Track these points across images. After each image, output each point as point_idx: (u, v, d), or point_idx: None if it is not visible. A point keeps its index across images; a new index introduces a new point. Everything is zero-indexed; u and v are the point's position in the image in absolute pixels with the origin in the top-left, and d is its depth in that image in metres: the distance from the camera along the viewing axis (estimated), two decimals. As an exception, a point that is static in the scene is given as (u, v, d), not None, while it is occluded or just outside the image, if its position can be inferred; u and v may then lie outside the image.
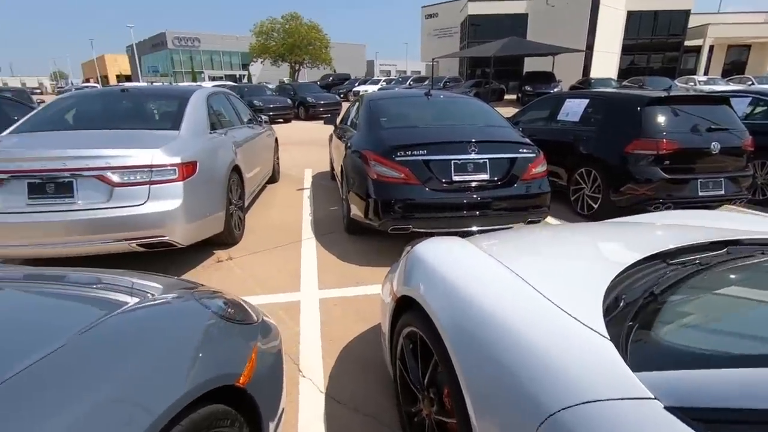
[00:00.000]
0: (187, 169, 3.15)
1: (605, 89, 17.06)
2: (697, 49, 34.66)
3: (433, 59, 23.85)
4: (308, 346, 2.44)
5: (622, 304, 1.04)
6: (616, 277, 1.16)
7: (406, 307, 1.63)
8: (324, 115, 15.86)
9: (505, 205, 3.45)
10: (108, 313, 1.06)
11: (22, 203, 2.84)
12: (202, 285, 1.70)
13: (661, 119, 4.35)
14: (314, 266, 3.55)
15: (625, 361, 0.84)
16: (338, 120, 6.07)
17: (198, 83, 26.34)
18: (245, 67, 61.89)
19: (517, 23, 33.77)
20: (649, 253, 1.28)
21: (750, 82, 22.26)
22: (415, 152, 3.36)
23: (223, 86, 17.75)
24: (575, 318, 1.01)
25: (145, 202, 2.95)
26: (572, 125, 5.17)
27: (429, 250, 1.62)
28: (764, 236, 1.55)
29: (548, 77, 21.93)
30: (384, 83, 29.49)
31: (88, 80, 70.17)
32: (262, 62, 45.13)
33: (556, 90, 20.45)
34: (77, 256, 3.13)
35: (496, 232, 2.17)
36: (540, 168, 3.59)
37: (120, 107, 4.00)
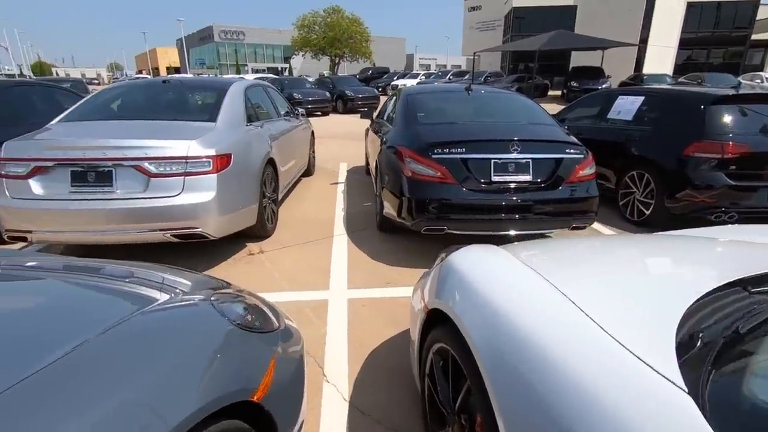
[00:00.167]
0: (222, 161, 3.14)
1: (662, 86, 16.05)
2: (766, 44, 31.94)
3: (474, 53, 23.24)
4: (334, 350, 2.36)
5: (699, 343, 0.87)
6: (690, 306, 0.98)
7: (437, 321, 1.50)
8: (362, 109, 15.83)
9: (548, 209, 3.23)
10: (124, 318, 1.00)
11: (65, 191, 2.93)
12: (228, 284, 1.65)
13: (727, 119, 3.95)
14: (344, 264, 3.48)
15: (709, 423, 0.68)
16: (375, 114, 5.96)
17: (241, 75, 27.01)
18: (287, 60, 62.91)
19: (564, 16, 32.32)
20: (729, 279, 1.08)
21: (826, 80, 20.30)
22: (453, 150, 3.20)
23: (264, 79, 18.09)
24: (638, 357, 0.85)
25: (179, 193, 2.96)
26: (624, 124, 4.82)
27: (464, 260, 1.48)
28: None
29: (596, 73, 20.86)
30: (423, 77, 29.10)
31: (140, 72, 73.74)
32: (303, 55, 45.63)
33: (604, 86, 19.45)
34: (117, 245, 3.21)
35: (539, 240, 1.99)
36: (588, 170, 3.34)
37: (161, 98, 4.07)
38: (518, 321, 1.12)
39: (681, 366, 0.80)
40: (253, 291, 2.86)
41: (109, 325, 0.96)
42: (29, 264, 1.57)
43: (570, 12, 32.62)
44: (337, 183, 6.15)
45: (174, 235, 3.04)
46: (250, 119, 4.03)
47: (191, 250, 3.57)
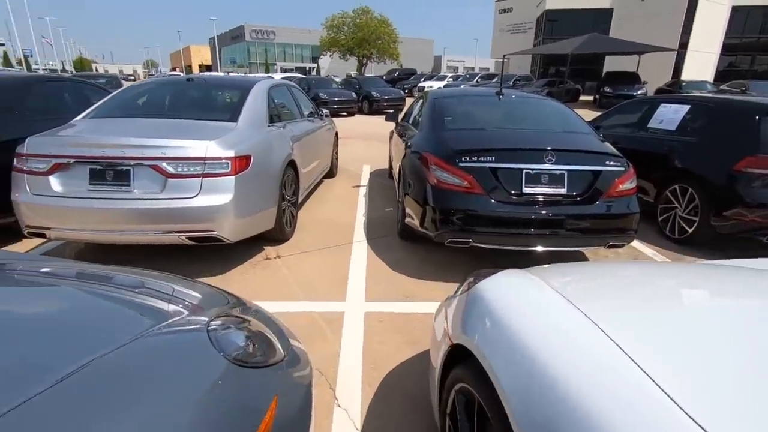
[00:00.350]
0: (241, 163, 3.05)
1: (704, 93, 15.27)
2: (816, 51, 30.15)
3: (504, 56, 22.73)
4: (347, 370, 2.22)
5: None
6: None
7: (460, 356, 1.33)
8: (388, 110, 15.71)
9: (583, 225, 2.99)
10: (107, 352, 0.88)
11: (83, 188, 2.89)
12: (239, 300, 1.55)
13: (785, 133, 3.61)
14: (363, 274, 3.33)
15: None
16: (400, 117, 5.81)
17: (270, 74, 27.34)
18: (315, 60, 63.54)
19: (599, 18, 31.40)
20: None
21: None
22: (482, 158, 3.01)
23: (292, 78, 18.21)
24: (702, 427, 0.67)
25: (196, 195, 2.88)
26: (666, 134, 4.50)
27: (494, 291, 1.31)
28: None
29: (632, 78, 20.11)
30: (450, 79, 28.79)
31: (174, 69, 75.93)
32: (331, 55, 45.95)
33: (640, 93, 18.73)
34: (136, 245, 3.16)
35: (576, 265, 1.79)
36: (628, 184, 3.09)
37: (184, 96, 4.02)
38: (556, 368, 0.95)
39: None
40: (267, 300, 2.76)
41: (90, 359, 0.84)
42: (43, 270, 1.51)
43: (605, 15, 31.66)
44: (359, 186, 6.03)
45: (189, 238, 2.97)
46: (272, 120, 3.94)
47: (208, 251, 3.50)
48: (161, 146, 2.84)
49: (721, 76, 28.54)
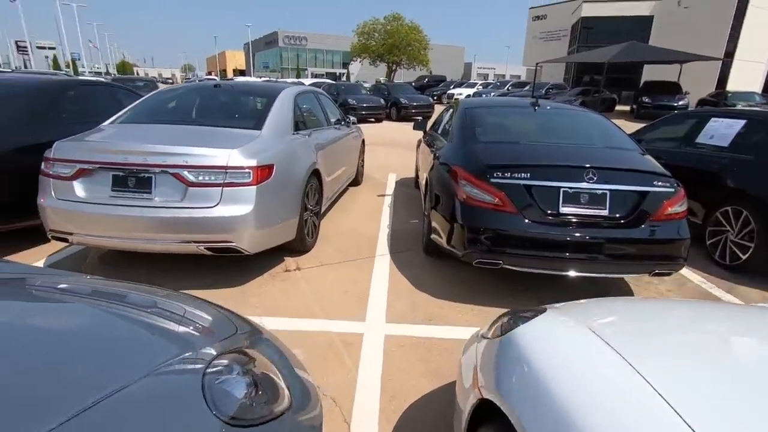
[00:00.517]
0: (263, 172, 2.96)
1: (751, 105, 14.39)
2: None
3: (536, 63, 22.22)
4: (364, 401, 2.06)
5: None
6: None
7: (491, 413, 1.15)
8: (416, 117, 15.56)
9: (626, 251, 2.74)
10: (89, 404, 0.76)
11: (105, 194, 2.86)
12: (253, 328, 1.44)
13: None
14: (384, 291, 3.18)
15: None
16: (429, 125, 5.64)
17: (300, 79, 27.74)
18: (345, 65, 64.19)
19: (637, 26, 30.38)
20: None
21: None
22: (516, 174, 2.80)
23: (321, 84, 18.35)
24: None
25: (215, 205, 2.80)
26: (717, 151, 4.16)
27: (534, 344, 1.12)
28: None
29: (673, 88, 19.22)
30: (480, 87, 28.39)
31: (210, 73, 78.29)
32: (361, 62, 46.30)
33: (681, 103, 17.90)
34: (155, 253, 3.11)
35: (627, 304, 1.58)
36: (678, 207, 2.81)
37: (210, 103, 3.99)
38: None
39: None
40: (284, 317, 2.64)
41: (59, 421, 0.72)
42: (49, 285, 1.46)
43: (644, 22, 30.61)
44: (384, 195, 5.89)
45: (208, 248, 2.89)
46: (297, 127, 3.85)
47: (227, 260, 3.42)
48: (183, 154, 2.78)
49: (769, 86, 27.00)
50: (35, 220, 3.20)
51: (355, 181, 6.19)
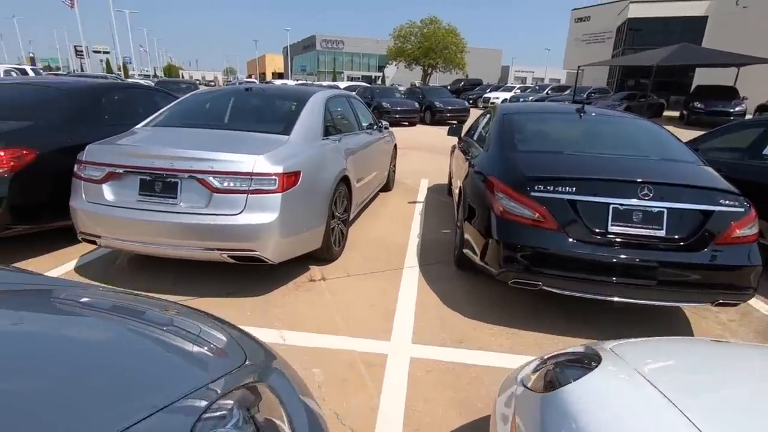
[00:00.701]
0: (289, 179, 2.85)
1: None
2: None
3: (578, 67, 21.40)
4: (385, 434, 1.89)
5: None
6: None
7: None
8: (451, 121, 15.29)
9: (684, 277, 2.44)
10: None
11: (133, 198, 2.84)
12: (267, 354, 1.33)
13: None
14: (412, 307, 3.00)
15: None
16: (463, 131, 5.42)
17: (336, 82, 27.99)
18: (381, 69, 64.42)
19: (688, 27, 28.77)
20: None
21: None
22: (560, 188, 2.56)
23: (355, 87, 18.38)
24: None
25: (240, 213, 2.72)
26: (790, 164, 3.72)
27: (590, 407, 0.92)
28: None
29: (728, 93, 17.93)
30: (518, 91, 27.67)
31: (250, 76, 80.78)
32: (396, 65, 46.28)
33: (738, 109, 16.69)
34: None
35: (707, 347, 1.33)
36: (748, 229, 2.48)
37: (241, 107, 3.95)
38: None
39: None
40: (306, 332, 2.51)
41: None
42: (59, 298, 1.40)
43: (697, 23, 28.94)
44: (415, 202, 5.71)
45: (231, 256, 2.82)
46: (327, 132, 3.75)
47: (252, 268, 3.34)
48: (209, 159, 2.72)
49: (839, 92, 24.79)
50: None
51: (386, 187, 6.04)
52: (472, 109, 18.11)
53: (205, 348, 1.27)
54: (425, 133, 13.51)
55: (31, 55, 67.36)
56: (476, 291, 3.25)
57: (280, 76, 75.25)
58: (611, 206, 2.49)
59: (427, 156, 9.31)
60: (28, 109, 3.73)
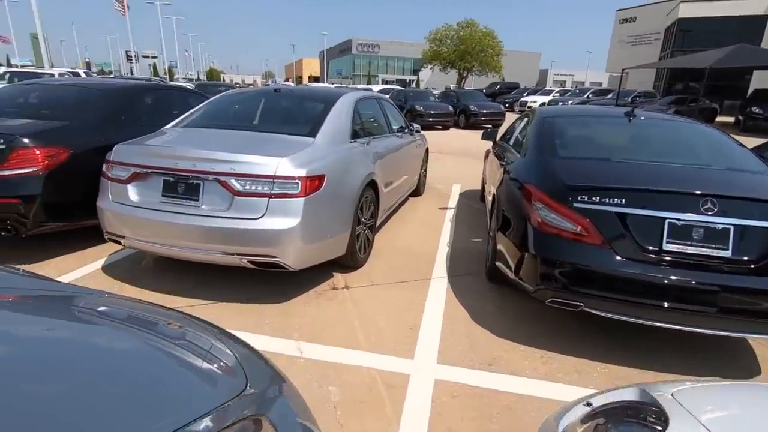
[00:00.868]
0: (312, 183, 2.73)
1: None
2: None
3: (623, 69, 20.38)
4: (403, 468, 1.71)
5: None
6: None
7: None
8: (486, 125, 14.92)
9: (752, 305, 2.13)
10: None
11: (156, 199, 2.80)
12: (272, 371, 1.22)
13: None
14: (438, 322, 2.80)
15: None
16: (498, 135, 5.16)
17: (370, 86, 28.03)
18: (416, 72, 64.32)
19: (744, 27, 26.92)
20: None
21: None
22: (607, 199, 2.30)
23: (389, 90, 18.29)
24: None
25: (261, 217, 2.62)
26: None
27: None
28: None
29: (791, 97, 16.62)
30: (557, 94, 26.77)
31: (287, 79, 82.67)
32: (431, 68, 46.00)
33: (802, 115, 15.40)
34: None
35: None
36: (833, 252, 2.14)
37: (269, 108, 3.88)
38: None
39: None
40: (324, 344, 2.37)
41: None
42: (73, 306, 1.34)
43: (754, 23, 27.06)
44: (446, 208, 5.50)
45: (251, 262, 2.72)
46: (356, 135, 3.62)
47: (273, 273, 3.24)
48: (231, 161, 2.64)
49: None
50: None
51: (416, 192, 5.86)
52: (507, 113, 17.62)
53: (198, 376, 1.14)
54: (459, 137, 13.23)
55: (86, 59, 71.85)
56: (508, 308, 3.02)
57: (316, 79, 76.46)
58: (668, 221, 2.21)
59: (460, 160, 9.06)
60: (66, 110, 3.81)
